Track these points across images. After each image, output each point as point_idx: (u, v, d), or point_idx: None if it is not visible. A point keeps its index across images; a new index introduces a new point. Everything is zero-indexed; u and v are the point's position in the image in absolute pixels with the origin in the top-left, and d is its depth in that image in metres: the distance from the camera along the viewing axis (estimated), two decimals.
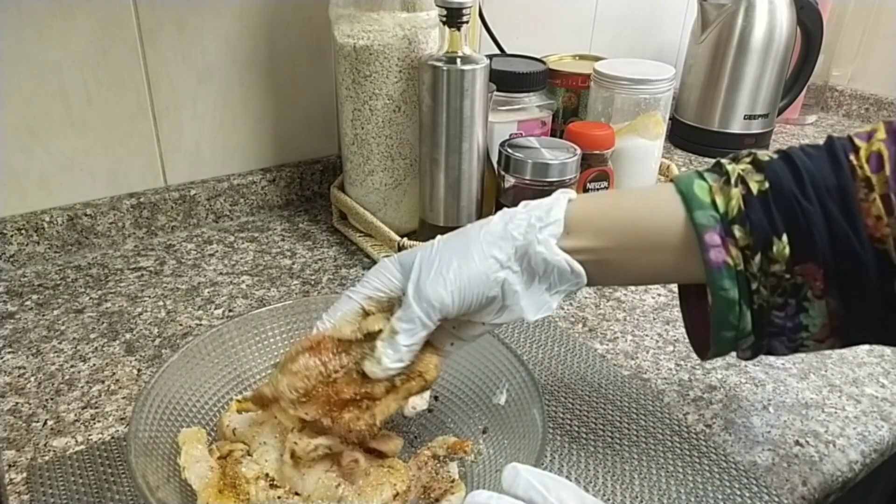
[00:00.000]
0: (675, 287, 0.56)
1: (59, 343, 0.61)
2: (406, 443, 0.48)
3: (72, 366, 0.58)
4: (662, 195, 0.41)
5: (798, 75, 1.14)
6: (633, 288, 0.73)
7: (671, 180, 0.42)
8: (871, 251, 0.37)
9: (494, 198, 0.75)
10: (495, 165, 0.74)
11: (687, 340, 0.48)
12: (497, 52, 0.92)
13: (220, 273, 0.73)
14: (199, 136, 0.81)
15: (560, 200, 0.42)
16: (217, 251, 0.78)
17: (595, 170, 0.77)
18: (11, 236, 0.71)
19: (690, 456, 0.51)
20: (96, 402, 0.54)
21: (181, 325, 0.64)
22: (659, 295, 0.72)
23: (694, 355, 0.47)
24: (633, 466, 0.50)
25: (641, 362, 0.62)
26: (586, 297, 0.71)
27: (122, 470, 0.48)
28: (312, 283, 0.72)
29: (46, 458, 0.49)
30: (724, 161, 0.41)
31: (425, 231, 0.75)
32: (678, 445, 0.52)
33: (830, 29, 1.19)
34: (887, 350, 0.64)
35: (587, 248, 0.41)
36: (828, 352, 0.64)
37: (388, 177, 0.76)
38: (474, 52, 0.68)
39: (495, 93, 0.78)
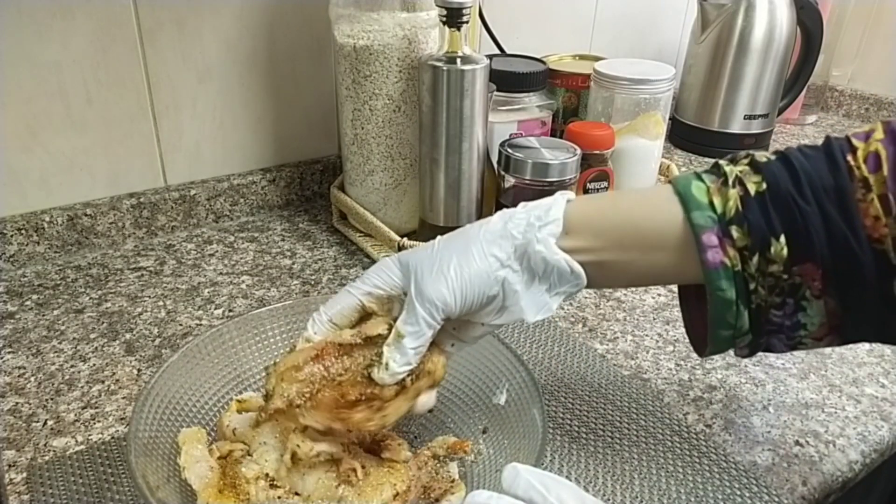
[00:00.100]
0: (675, 287, 0.56)
1: (59, 343, 0.61)
2: (406, 443, 0.48)
3: (72, 366, 0.58)
4: (660, 196, 0.41)
5: (798, 75, 1.14)
6: (632, 288, 0.73)
7: (669, 181, 0.42)
8: (869, 251, 0.37)
9: (494, 198, 0.75)
10: (495, 165, 0.74)
11: (687, 341, 0.48)
12: (497, 52, 0.92)
13: (220, 273, 0.73)
14: (199, 136, 0.81)
15: (559, 201, 0.42)
16: (217, 251, 0.78)
17: (595, 170, 0.77)
18: (11, 236, 0.71)
19: (690, 456, 0.51)
20: (96, 402, 0.54)
21: (181, 325, 0.64)
22: (659, 295, 0.72)
23: (694, 355, 0.47)
24: (633, 466, 0.50)
25: (641, 362, 0.62)
26: (586, 297, 0.71)
27: (122, 470, 0.48)
28: (312, 283, 0.72)
29: (46, 458, 0.49)
30: (722, 162, 0.41)
31: (425, 231, 0.75)
32: (678, 445, 0.52)
33: (830, 29, 1.19)
34: (887, 350, 0.64)
35: (586, 248, 0.41)
36: (828, 351, 0.64)
37: (388, 177, 0.76)
38: (474, 52, 0.68)
39: (495, 93, 0.78)
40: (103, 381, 0.57)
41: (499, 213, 0.43)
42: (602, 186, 0.78)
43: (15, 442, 0.50)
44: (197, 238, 0.80)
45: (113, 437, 0.51)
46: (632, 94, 0.84)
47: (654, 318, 0.68)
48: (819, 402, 0.58)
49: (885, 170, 0.37)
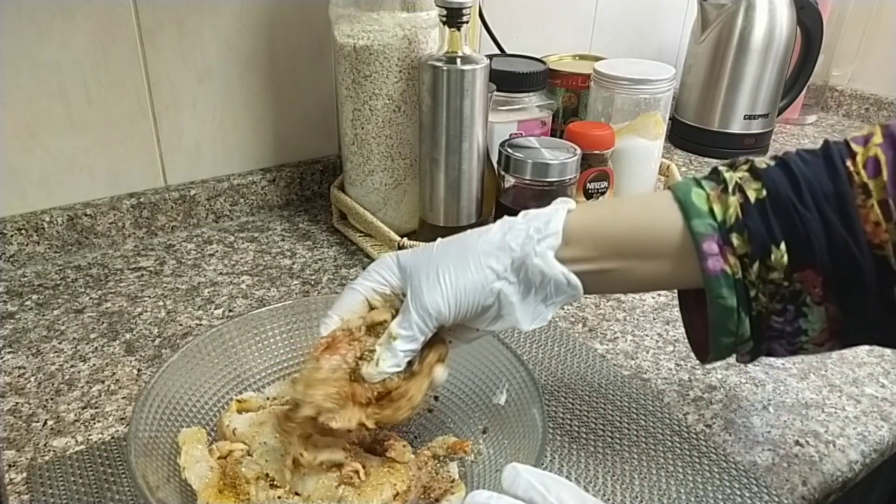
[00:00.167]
0: None
1: (59, 343, 0.61)
2: (408, 445, 0.48)
3: (72, 366, 0.58)
4: (660, 203, 0.41)
5: (798, 75, 1.14)
6: (630, 293, 0.73)
7: (669, 188, 0.42)
8: (869, 257, 0.37)
9: (494, 198, 0.75)
10: (495, 165, 0.74)
11: (687, 340, 0.48)
12: (497, 52, 0.92)
13: (220, 273, 0.73)
14: (199, 136, 0.81)
15: (559, 212, 0.42)
16: (217, 251, 0.78)
17: (595, 170, 0.77)
18: (11, 236, 0.71)
19: (690, 456, 0.51)
20: (96, 402, 0.54)
21: (181, 325, 0.64)
22: (659, 295, 0.72)
23: (694, 355, 0.47)
24: (633, 466, 0.50)
25: (641, 362, 0.62)
26: (586, 298, 0.71)
27: (122, 470, 0.48)
28: (312, 283, 0.72)
29: (46, 458, 0.49)
30: (721, 168, 0.41)
31: (425, 231, 0.75)
32: (678, 445, 0.52)
33: (830, 29, 1.19)
34: (887, 350, 0.64)
35: (585, 258, 0.42)
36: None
37: (388, 177, 0.76)
38: (474, 52, 0.68)
39: (495, 93, 0.78)
40: (103, 381, 0.57)
41: (499, 222, 0.43)
42: (602, 186, 0.78)
43: (15, 442, 0.50)
44: (197, 238, 0.80)
45: (113, 437, 0.51)
46: (632, 94, 0.84)
47: (654, 318, 0.68)
48: (819, 402, 0.57)
49: (885, 175, 0.37)
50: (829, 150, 0.39)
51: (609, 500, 0.47)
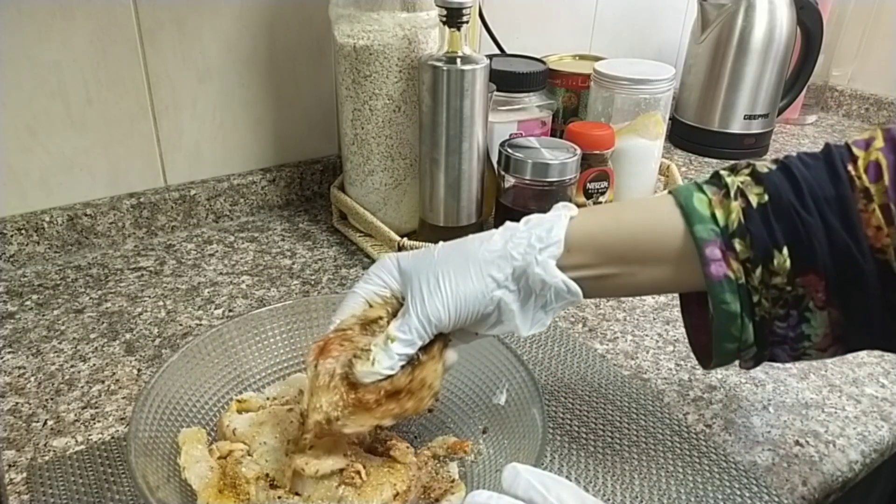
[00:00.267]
0: None
1: (59, 343, 0.61)
2: (403, 442, 0.48)
3: (72, 366, 0.58)
4: (662, 209, 0.41)
5: (798, 75, 1.14)
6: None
7: (670, 192, 0.42)
8: (872, 262, 0.37)
9: (494, 198, 0.75)
10: (495, 165, 0.74)
11: (687, 340, 0.48)
12: (497, 52, 0.92)
13: (220, 273, 0.73)
14: (199, 136, 0.81)
15: (561, 219, 0.42)
16: (217, 251, 0.78)
17: (595, 170, 0.77)
18: (11, 236, 0.71)
19: (690, 456, 0.51)
20: (96, 402, 0.54)
21: (181, 325, 0.64)
22: (659, 295, 0.72)
23: (696, 359, 0.47)
24: (633, 466, 0.50)
25: (641, 362, 0.62)
26: (586, 299, 0.71)
27: (122, 470, 0.48)
28: (312, 283, 0.72)
29: (46, 458, 0.49)
30: (722, 172, 0.41)
31: (425, 231, 0.75)
32: (678, 445, 0.52)
33: (830, 29, 1.19)
34: None
35: (587, 265, 0.42)
36: None
37: (388, 177, 0.76)
38: (474, 52, 0.68)
39: (495, 93, 0.78)
40: (103, 381, 0.57)
41: (501, 228, 0.43)
42: (602, 186, 0.78)
43: (15, 442, 0.50)
44: (197, 238, 0.80)
45: (113, 437, 0.51)
46: (632, 94, 0.84)
47: (654, 318, 0.68)
48: (819, 402, 0.57)
49: (886, 179, 0.37)
50: (830, 153, 0.39)
51: (609, 500, 0.47)
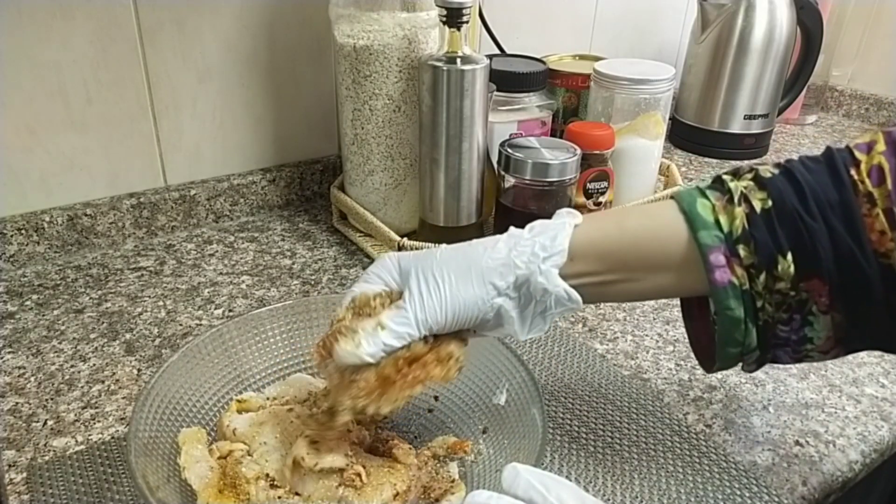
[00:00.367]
0: None
1: (59, 343, 0.61)
2: (405, 442, 0.48)
3: (72, 366, 0.58)
4: (665, 215, 0.41)
5: (798, 75, 1.14)
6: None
7: (672, 197, 0.42)
8: (875, 266, 0.37)
9: (494, 198, 0.75)
10: (495, 165, 0.74)
11: (687, 340, 0.48)
12: (497, 52, 0.92)
13: (220, 273, 0.73)
14: (199, 136, 0.81)
15: (566, 227, 0.42)
16: (217, 251, 0.78)
17: (595, 170, 0.77)
18: (11, 236, 0.71)
19: (690, 456, 0.51)
20: (96, 402, 0.54)
21: (181, 325, 0.64)
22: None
23: (698, 362, 0.47)
24: (633, 466, 0.50)
25: (641, 362, 0.62)
26: None
27: (122, 470, 0.48)
28: (312, 283, 0.72)
29: (46, 458, 0.49)
30: (725, 177, 0.41)
31: (425, 231, 0.75)
32: (678, 445, 0.52)
33: (830, 29, 1.19)
34: None
35: (590, 273, 0.41)
36: None
37: (388, 177, 0.76)
38: (474, 52, 0.68)
39: (495, 93, 0.78)
40: (103, 381, 0.57)
41: (506, 235, 0.43)
42: (602, 186, 0.78)
43: (15, 442, 0.50)
44: (197, 238, 0.80)
45: (113, 437, 0.51)
46: (632, 94, 0.84)
47: (654, 318, 0.68)
48: (819, 402, 0.57)
49: (889, 183, 0.37)
50: (832, 157, 0.39)
51: (609, 500, 0.47)
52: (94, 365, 0.59)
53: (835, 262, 0.37)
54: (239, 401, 0.48)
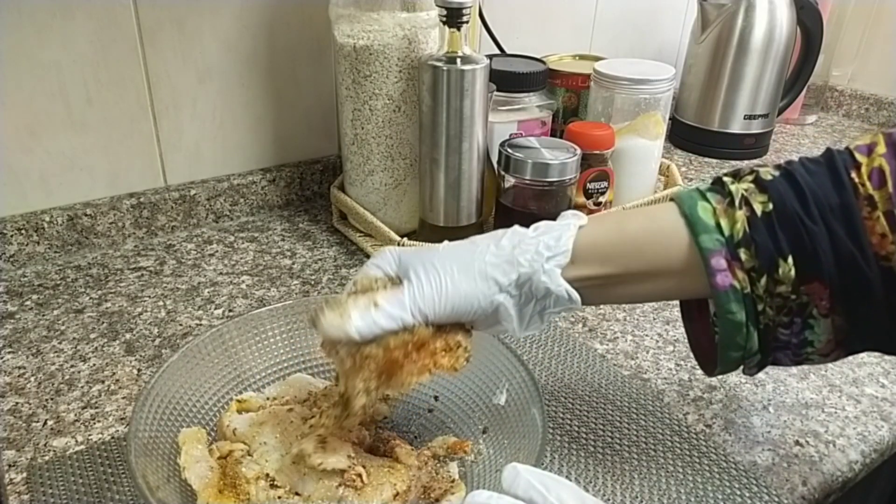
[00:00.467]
0: None
1: (59, 343, 0.61)
2: (406, 443, 0.48)
3: (72, 366, 0.58)
4: (666, 217, 0.41)
5: (798, 75, 1.14)
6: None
7: (673, 199, 0.41)
8: (876, 269, 0.37)
9: (494, 198, 0.75)
10: (495, 165, 0.74)
11: (687, 340, 0.48)
12: (497, 52, 0.92)
13: (220, 273, 0.73)
14: (199, 136, 0.81)
15: (570, 228, 0.42)
16: (217, 251, 0.78)
17: (595, 170, 0.77)
18: (11, 236, 0.71)
19: (690, 456, 0.51)
20: (96, 402, 0.54)
21: (181, 325, 0.64)
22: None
23: (698, 365, 0.47)
24: (633, 466, 0.50)
25: (641, 362, 0.62)
26: None
27: (122, 470, 0.48)
28: (312, 283, 0.72)
29: (46, 458, 0.49)
30: (725, 179, 0.41)
31: (425, 231, 0.75)
32: (678, 445, 0.52)
33: (830, 29, 1.19)
34: None
35: (591, 276, 0.42)
36: None
37: (388, 177, 0.76)
38: (474, 52, 0.68)
39: (495, 93, 0.78)
40: (103, 381, 0.57)
41: (510, 232, 0.43)
42: (602, 186, 0.78)
43: (15, 442, 0.50)
44: (197, 238, 0.80)
45: (113, 437, 0.51)
46: (632, 94, 0.84)
47: (654, 318, 0.68)
48: (819, 402, 0.57)
49: (890, 186, 0.37)
50: (833, 159, 0.39)
51: (609, 500, 0.47)
52: (94, 365, 0.59)
53: (835, 266, 0.37)
54: (239, 401, 0.48)
